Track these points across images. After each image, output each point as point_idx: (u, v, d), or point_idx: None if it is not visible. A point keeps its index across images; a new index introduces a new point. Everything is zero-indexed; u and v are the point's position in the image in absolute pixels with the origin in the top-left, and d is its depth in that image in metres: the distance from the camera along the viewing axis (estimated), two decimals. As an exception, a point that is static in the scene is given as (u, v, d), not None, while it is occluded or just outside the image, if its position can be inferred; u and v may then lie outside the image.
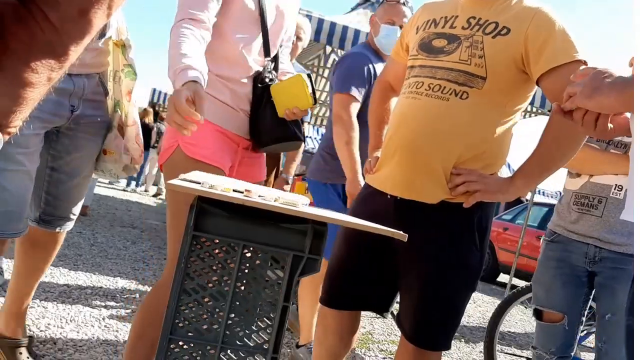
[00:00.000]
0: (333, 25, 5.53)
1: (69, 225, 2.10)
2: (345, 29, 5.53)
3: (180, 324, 1.11)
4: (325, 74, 8.47)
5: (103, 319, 2.99)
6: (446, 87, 1.70)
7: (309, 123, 8.42)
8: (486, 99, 1.69)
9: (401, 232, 1.09)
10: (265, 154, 2.09)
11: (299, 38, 3.36)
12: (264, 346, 1.12)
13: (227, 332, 1.12)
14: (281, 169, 3.84)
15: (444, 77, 1.71)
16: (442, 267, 1.69)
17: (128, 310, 3.24)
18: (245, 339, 1.13)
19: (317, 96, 1.91)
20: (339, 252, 1.91)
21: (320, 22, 5.50)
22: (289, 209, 1.09)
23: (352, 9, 6.70)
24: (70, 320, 2.84)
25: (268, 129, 1.88)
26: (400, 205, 1.74)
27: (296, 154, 3.78)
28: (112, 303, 3.34)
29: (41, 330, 2.62)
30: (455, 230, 1.70)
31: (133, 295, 3.63)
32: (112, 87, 2.14)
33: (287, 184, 3.69)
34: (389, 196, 1.76)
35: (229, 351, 1.12)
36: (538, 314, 2.34)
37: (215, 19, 1.77)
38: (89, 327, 2.82)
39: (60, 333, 2.65)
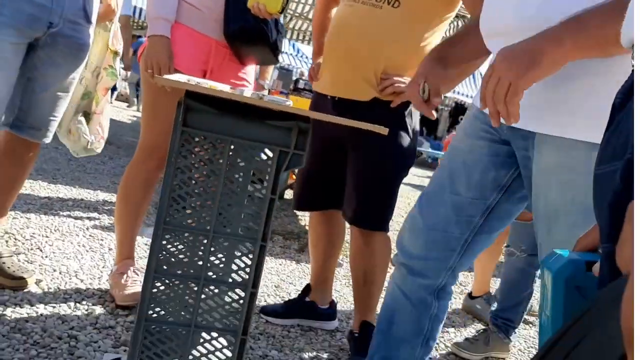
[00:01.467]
0: None
1: (43, 138, 2.11)
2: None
3: (174, 216, 1.17)
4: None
5: (87, 228, 3.05)
6: None
7: (285, 37, 8.27)
8: (417, 8, 1.85)
9: (382, 127, 1.15)
10: (247, 68, 2.16)
11: None
12: (254, 235, 1.20)
13: (218, 221, 1.18)
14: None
15: None
16: (378, 155, 1.95)
17: (111, 221, 3.30)
18: (235, 229, 1.20)
19: (288, 6, 1.98)
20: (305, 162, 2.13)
21: None
22: (275, 105, 1.13)
23: None
24: (55, 230, 2.90)
25: (234, 16, 1.98)
26: (339, 105, 1.96)
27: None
28: (95, 214, 3.39)
29: (26, 239, 2.67)
30: (388, 122, 1.82)
31: (115, 207, 3.69)
32: (89, 78, 2.33)
33: (264, 89, 3.70)
34: (329, 97, 2.01)
35: (221, 239, 1.19)
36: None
37: None
38: (74, 236, 2.88)
39: (46, 242, 2.71)
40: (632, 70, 0.55)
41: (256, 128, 1.18)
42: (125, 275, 2.19)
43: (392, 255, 1.69)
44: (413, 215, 1.49)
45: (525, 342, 2.82)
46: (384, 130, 1.14)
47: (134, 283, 2.15)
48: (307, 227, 3.98)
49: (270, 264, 3.11)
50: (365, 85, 1.93)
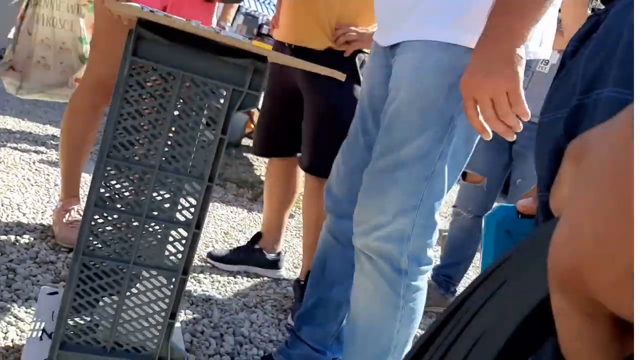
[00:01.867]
0: None
1: None
2: None
3: (118, 149, 1.13)
4: None
5: (33, 162, 2.95)
6: None
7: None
8: None
9: (339, 72, 1.12)
10: (209, 6, 2.10)
11: None
12: (201, 174, 1.17)
13: (164, 157, 1.14)
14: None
15: None
16: (331, 101, 1.99)
17: (59, 157, 3.20)
18: (182, 167, 1.16)
19: None
20: (263, 107, 2.24)
21: None
22: (232, 40, 1.09)
23: None
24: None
25: None
26: (296, 53, 1.98)
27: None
28: (42, 148, 3.28)
29: (-32, 168, 2.57)
30: (340, 70, 1.86)
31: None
32: (71, 19, 2.31)
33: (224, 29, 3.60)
34: (286, 45, 2.05)
35: (167, 177, 1.16)
36: (463, 175, 2.50)
37: None
38: (19, 169, 2.78)
39: (-11, 172, 2.61)
40: (589, 18, 0.54)
41: (210, 64, 1.14)
42: (68, 214, 2.13)
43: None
44: (337, 162, 1.53)
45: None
46: (341, 76, 1.12)
47: (76, 224, 2.09)
48: (262, 177, 3.96)
49: (221, 210, 3.08)
50: (320, 34, 1.96)
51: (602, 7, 0.50)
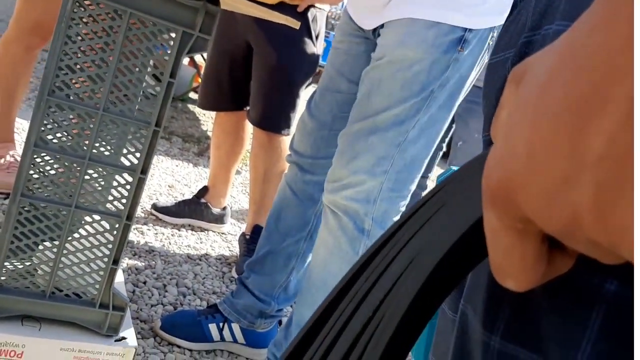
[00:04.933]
0: None
1: None
2: None
3: (60, 88, 1.08)
4: None
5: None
6: None
7: None
8: None
9: (294, 20, 1.10)
10: None
11: None
12: (147, 119, 1.13)
13: (109, 99, 1.10)
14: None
15: None
16: (282, 55, 1.97)
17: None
18: (128, 110, 1.13)
19: None
20: (211, 60, 2.17)
21: None
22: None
23: None
24: None
25: None
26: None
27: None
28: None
29: None
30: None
31: None
32: None
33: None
34: None
35: (110, 119, 1.12)
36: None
37: None
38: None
39: None
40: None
41: (160, 3, 1.09)
42: (3, 159, 2.05)
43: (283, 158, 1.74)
44: (303, 117, 1.54)
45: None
46: (295, 24, 1.10)
47: (13, 169, 2.01)
48: (208, 132, 3.89)
49: (166, 163, 3.03)
50: None
51: None
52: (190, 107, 4.46)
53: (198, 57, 4.50)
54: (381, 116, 1.25)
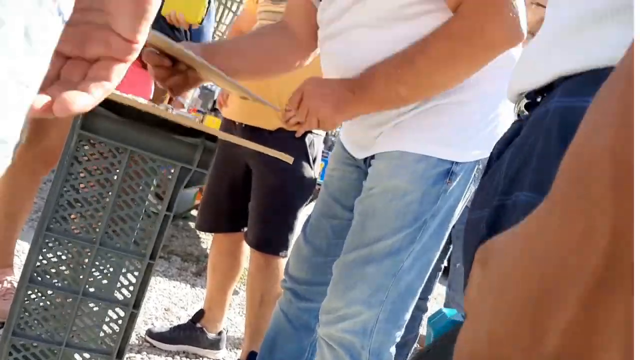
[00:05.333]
0: (246, -41, 5.35)
1: None
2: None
3: (59, 222, 1.10)
4: (234, 8, 8.23)
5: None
6: None
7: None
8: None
9: (287, 155, 1.14)
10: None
11: None
12: (143, 251, 1.14)
13: (107, 233, 1.12)
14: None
15: None
16: (280, 179, 2.01)
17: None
18: (124, 243, 1.14)
19: (209, 23, 2.02)
20: (210, 183, 2.21)
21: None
22: (182, 119, 1.10)
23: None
24: None
25: None
26: (246, 132, 2.03)
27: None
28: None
29: None
30: (291, 150, 1.97)
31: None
32: None
33: (183, 107, 3.62)
34: (237, 123, 2.08)
35: (108, 254, 1.13)
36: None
37: None
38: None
39: None
40: (512, 123, 0.58)
41: (160, 141, 1.14)
42: (0, 285, 2.03)
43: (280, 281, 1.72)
44: (298, 242, 1.54)
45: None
46: (289, 159, 1.14)
47: (9, 296, 1.99)
48: (208, 251, 3.88)
49: (164, 285, 2.99)
50: (271, 114, 1.98)
51: (526, 113, 0.54)
52: (192, 224, 4.48)
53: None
54: (376, 246, 1.26)
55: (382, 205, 1.27)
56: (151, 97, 2.23)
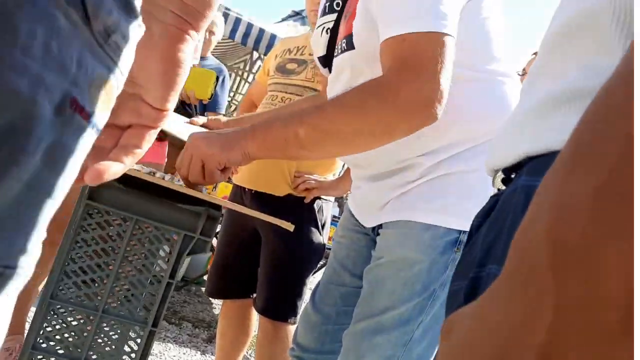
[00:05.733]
0: (262, 31, 5.58)
1: None
2: (273, 37, 5.59)
3: (63, 290, 1.13)
4: (250, 79, 8.49)
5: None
6: (294, 100, 2.05)
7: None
8: None
9: (288, 223, 1.17)
10: (168, 144, 2.20)
11: (211, 32, 3.43)
12: (145, 318, 1.16)
13: (110, 300, 1.14)
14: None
15: (294, 92, 2.08)
16: (289, 245, 2.02)
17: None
18: (127, 311, 1.15)
19: (223, 94, 2.12)
20: (220, 248, 2.26)
21: (249, 26, 5.54)
22: (183, 189, 1.13)
23: (283, 20, 6.80)
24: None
25: None
26: (255, 197, 2.08)
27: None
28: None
29: None
30: (300, 216, 2.03)
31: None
32: None
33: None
34: (246, 189, 2.13)
35: (109, 320, 1.15)
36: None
37: None
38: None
39: None
40: (491, 197, 0.60)
41: (164, 209, 1.18)
42: (13, 354, 2.04)
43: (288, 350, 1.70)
44: (307, 310, 1.53)
45: None
46: (289, 227, 1.16)
47: None
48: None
49: (174, 351, 2.97)
50: (280, 181, 2.04)
51: (503, 187, 0.57)
52: (204, 289, 4.48)
53: (214, 240, 4.63)
54: (386, 315, 1.25)
55: (391, 274, 1.26)
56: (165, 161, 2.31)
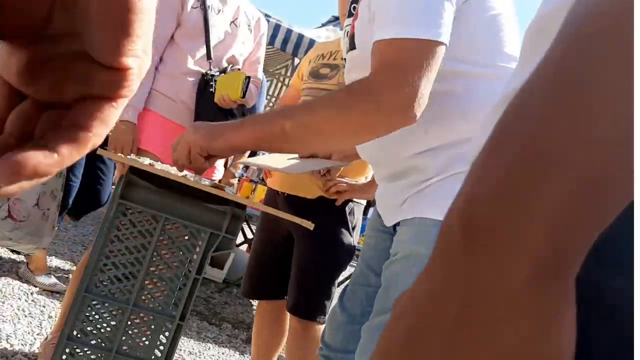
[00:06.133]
0: (301, 37, 5.64)
1: None
2: (312, 42, 5.65)
3: (97, 285, 1.19)
4: (287, 83, 8.59)
5: (31, 293, 2.99)
6: None
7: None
8: None
9: (309, 222, 1.20)
10: None
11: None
12: (173, 313, 1.21)
13: (141, 295, 1.20)
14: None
15: None
16: (319, 246, 2.07)
17: (65, 290, 3.24)
18: (157, 305, 1.21)
19: (246, 96, 2.17)
20: (255, 249, 2.31)
21: (289, 32, 5.62)
22: (209, 189, 1.18)
23: (323, 25, 6.86)
24: (-2, 291, 2.84)
25: (203, 111, 2.13)
26: (288, 200, 2.12)
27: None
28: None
29: (-34, 297, 2.62)
30: (331, 217, 2.07)
31: (66, 275, 3.63)
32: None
33: (234, 177, 3.77)
34: (279, 193, 2.17)
35: (140, 314, 1.20)
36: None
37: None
38: (15, 299, 2.82)
39: (-14, 302, 2.65)
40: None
41: (192, 208, 1.23)
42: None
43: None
44: (334, 310, 1.55)
45: None
46: (310, 225, 1.20)
47: None
48: (259, 318, 3.93)
49: (213, 351, 3.04)
50: (312, 184, 2.07)
51: None
52: (245, 292, 4.55)
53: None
54: None
55: (404, 270, 1.29)
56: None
